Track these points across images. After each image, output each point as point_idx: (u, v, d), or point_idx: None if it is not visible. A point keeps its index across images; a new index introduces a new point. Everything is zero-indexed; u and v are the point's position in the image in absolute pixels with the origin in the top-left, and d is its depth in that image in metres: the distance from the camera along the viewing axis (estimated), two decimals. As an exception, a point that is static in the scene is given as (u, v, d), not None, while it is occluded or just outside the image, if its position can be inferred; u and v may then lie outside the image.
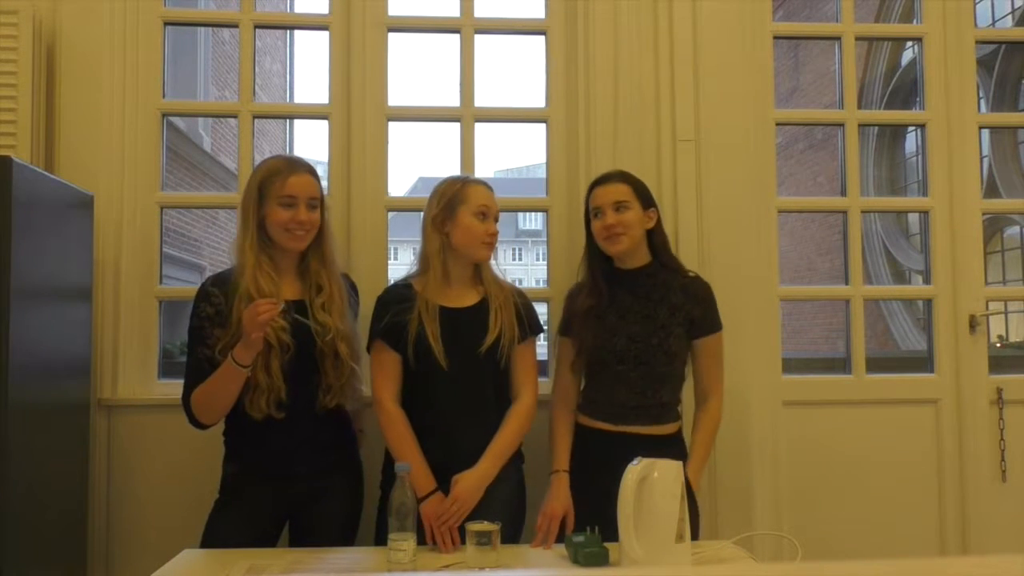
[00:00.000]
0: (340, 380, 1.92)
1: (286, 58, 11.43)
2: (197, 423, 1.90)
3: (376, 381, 1.97)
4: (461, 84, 2.51)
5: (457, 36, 2.52)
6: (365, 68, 2.46)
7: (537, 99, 2.60)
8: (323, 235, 1.97)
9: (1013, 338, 7.13)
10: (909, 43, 7.72)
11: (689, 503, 1.64)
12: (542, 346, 2.19)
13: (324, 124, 2.48)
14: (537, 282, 25.29)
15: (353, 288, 2.09)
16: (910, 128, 7.41)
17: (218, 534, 1.89)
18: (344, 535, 1.97)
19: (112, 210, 2.34)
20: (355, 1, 2.47)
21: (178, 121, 6.74)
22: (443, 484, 1.88)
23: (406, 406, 1.95)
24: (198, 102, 6.96)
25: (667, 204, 2.35)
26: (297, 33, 10.51)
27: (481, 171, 2.55)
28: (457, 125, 2.51)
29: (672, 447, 1.97)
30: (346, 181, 2.44)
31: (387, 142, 2.49)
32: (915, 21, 2.74)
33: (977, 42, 2.66)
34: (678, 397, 2.07)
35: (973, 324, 2.54)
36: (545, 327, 2.24)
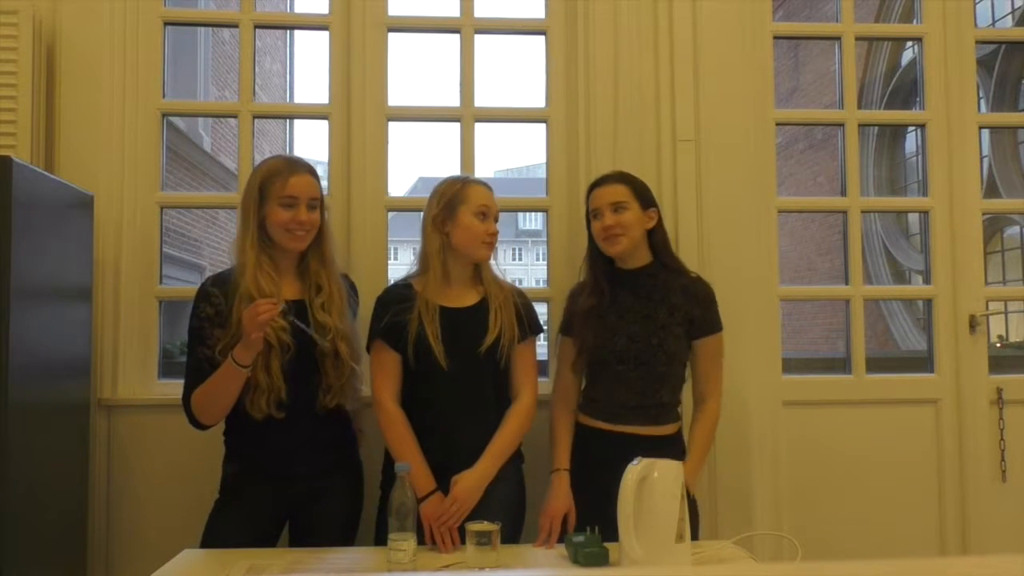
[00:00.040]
0: (340, 380, 1.92)
1: (286, 58, 11.43)
2: (197, 423, 1.90)
3: (376, 381, 1.97)
4: (461, 84, 2.51)
5: (457, 36, 2.52)
6: (365, 68, 2.46)
7: (537, 99, 2.60)
8: (323, 235, 1.97)
9: (1013, 338, 7.13)
10: (909, 43, 7.72)
11: (688, 503, 1.64)
12: (542, 346, 2.19)
13: (324, 124, 2.48)
14: (537, 282, 25.29)
15: (352, 288, 2.09)
16: (910, 128, 7.41)
17: (218, 534, 1.89)
18: (344, 535, 1.97)
19: (112, 210, 2.34)
20: (355, 1, 2.47)
21: (178, 121, 6.74)
22: (443, 484, 1.88)
23: (406, 406, 1.95)
24: (198, 102, 6.96)
25: (667, 204, 2.35)
26: (297, 33, 10.51)
27: (481, 171, 2.55)
28: (457, 125, 2.51)
29: (671, 447, 1.97)
30: (346, 181, 2.44)
31: (387, 142, 2.49)
32: (915, 21, 2.74)
33: (977, 42, 2.66)
34: (678, 398, 2.07)
35: (973, 324, 2.54)
36: (545, 327, 2.24)
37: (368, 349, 2.00)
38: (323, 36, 2.52)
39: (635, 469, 1.57)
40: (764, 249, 2.49)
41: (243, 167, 2.44)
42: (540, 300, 2.40)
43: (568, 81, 2.50)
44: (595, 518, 1.73)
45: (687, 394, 2.10)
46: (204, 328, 1.88)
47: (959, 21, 2.62)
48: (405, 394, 1.97)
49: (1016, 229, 7.38)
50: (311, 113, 2.71)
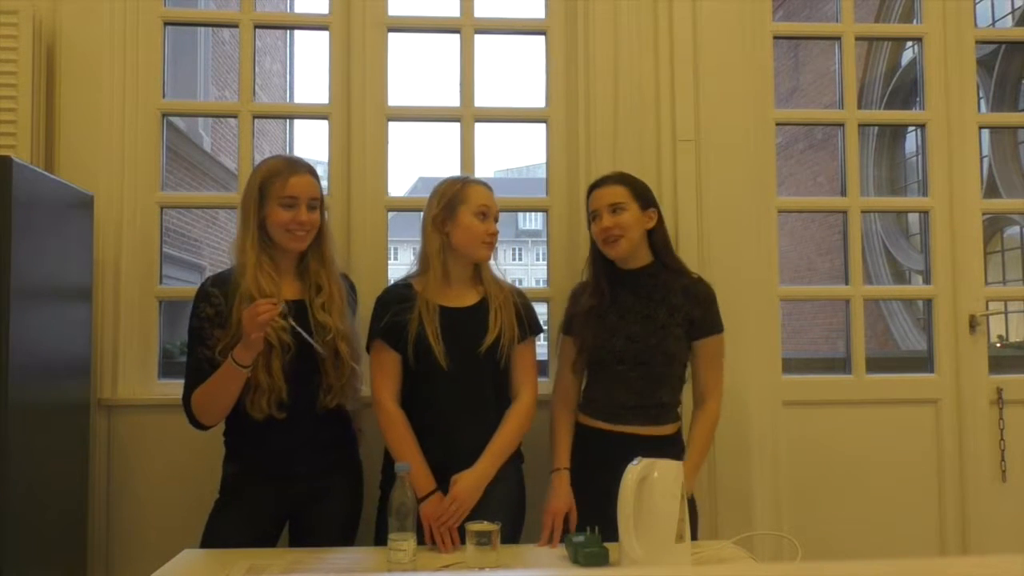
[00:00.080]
0: (341, 380, 1.93)
1: (286, 58, 11.43)
2: (198, 424, 1.90)
3: (376, 381, 1.97)
4: (461, 84, 2.51)
5: (457, 36, 2.52)
6: (365, 68, 2.46)
7: (537, 99, 2.60)
8: (323, 235, 1.97)
9: (1013, 338, 7.13)
10: (909, 43, 7.72)
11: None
12: (542, 346, 2.19)
13: (324, 124, 2.48)
14: (537, 282, 25.30)
15: (351, 288, 2.09)
16: (910, 128, 7.41)
17: (218, 534, 1.89)
18: (344, 535, 1.97)
19: (112, 210, 2.34)
20: (355, 1, 2.47)
21: (178, 121, 6.74)
22: (443, 484, 1.88)
23: (406, 406, 1.95)
24: (198, 102, 6.96)
25: (667, 204, 2.35)
26: (297, 33, 10.51)
27: (481, 171, 2.55)
28: (457, 125, 2.51)
29: (670, 448, 1.97)
30: (346, 181, 2.44)
31: (387, 142, 2.49)
32: (915, 21, 2.74)
33: (977, 42, 2.66)
34: (678, 398, 2.07)
35: (973, 324, 2.54)
36: (545, 327, 2.24)
37: (368, 349, 2.00)
38: (323, 36, 2.52)
39: (635, 469, 1.57)
40: (764, 249, 2.49)
41: (243, 167, 2.44)
42: (540, 300, 2.40)
43: (568, 81, 2.50)
44: (595, 518, 1.73)
45: (687, 394, 2.09)
46: (204, 328, 1.88)
47: (959, 21, 2.62)
48: (405, 394, 1.97)
49: (1016, 229, 7.38)
50: (311, 113, 2.71)
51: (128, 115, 2.38)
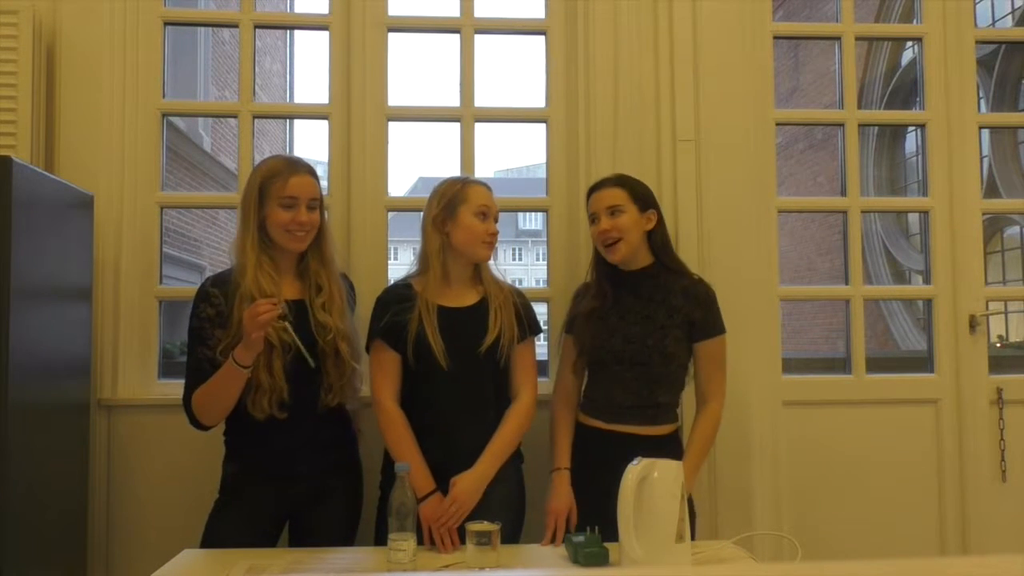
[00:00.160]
0: (341, 379, 1.93)
1: (286, 58, 11.43)
2: (198, 424, 1.90)
3: (376, 381, 1.97)
4: (461, 84, 2.51)
5: (457, 36, 2.52)
6: (365, 68, 2.46)
7: (537, 99, 2.60)
8: (322, 235, 1.97)
9: (1013, 338, 7.13)
10: (909, 43, 7.72)
11: (686, 504, 1.64)
12: (541, 346, 2.19)
13: (324, 124, 2.48)
14: (537, 282, 25.30)
15: (351, 288, 2.09)
16: (910, 128, 7.41)
17: (218, 534, 1.88)
18: (344, 535, 1.97)
19: (112, 210, 2.34)
20: (355, 1, 2.47)
21: (178, 121, 6.74)
22: (442, 484, 1.88)
23: (406, 406, 1.95)
24: (198, 102, 6.96)
25: (667, 204, 2.35)
26: (297, 33, 10.51)
27: (481, 171, 2.55)
28: (457, 125, 2.51)
29: (667, 448, 1.96)
30: (346, 181, 2.44)
31: (387, 142, 2.49)
32: (915, 21, 2.74)
33: (977, 42, 2.66)
34: (676, 399, 2.06)
35: (973, 324, 2.54)
36: (545, 327, 2.24)
37: (368, 349, 2.00)
38: (323, 36, 2.52)
39: (635, 469, 1.57)
40: (764, 249, 2.49)
41: (243, 167, 2.44)
42: (540, 300, 2.40)
43: (568, 81, 2.50)
44: (595, 518, 1.73)
45: (688, 395, 2.09)
46: (204, 328, 1.88)
47: (959, 21, 2.62)
48: (405, 394, 1.97)
49: (1016, 229, 7.38)
50: (311, 113, 2.71)
51: (128, 115, 2.38)
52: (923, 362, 2.64)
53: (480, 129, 2.52)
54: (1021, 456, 2.52)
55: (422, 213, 2.04)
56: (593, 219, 2.07)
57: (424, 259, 2.02)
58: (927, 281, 2.63)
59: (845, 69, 2.63)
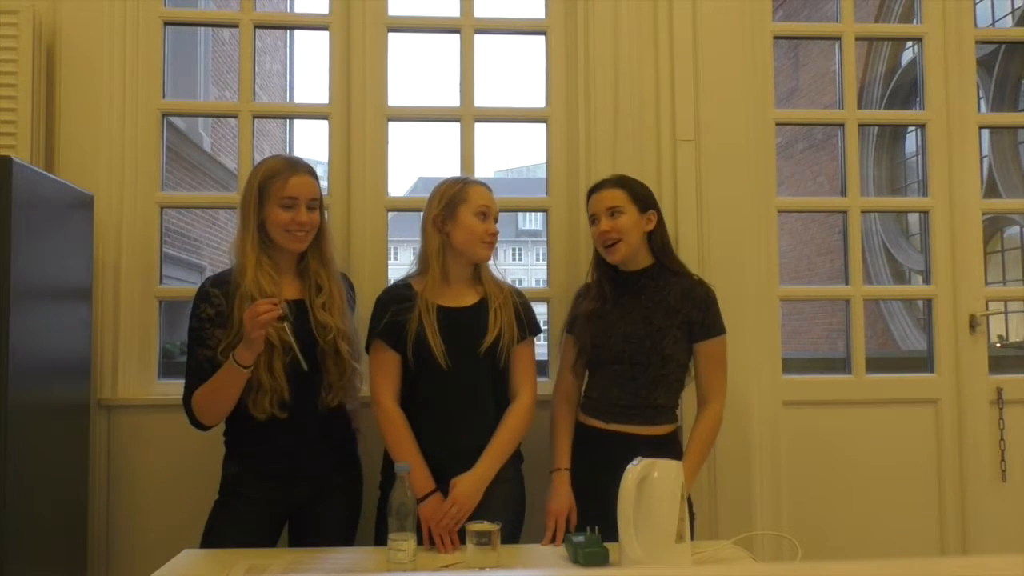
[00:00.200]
0: (342, 379, 1.93)
1: (286, 58, 11.43)
2: (198, 424, 1.90)
3: (375, 381, 1.97)
4: (461, 84, 2.51)
5: (457, 36, 2.52)
6: (365, 68, 2.46)
7: (537, 99, 2.60)
8: (322, 235, 1.98)
9: (1013, 338, 7.13)
10: (909, 43, 7.72)
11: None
12: (541, 346, 2.19)
13: (324, 124, 2.48)
14: (537, 282, 25.30)
15: (351, 288, 2.09)
16: (910, 128, 7.41)
17: (218, 534, 1.89)
18: (344, 535, 1.98)
19: (112, 210, 2.34)
20: (355, 1, 2.47)
21: (178, 121, 6.74)
22: (442, 484, 1.88)
23: (405, 406, 1.95)
24: (198, 102, 6.96)
25: (667, 204, 2.35)
26: (297, 33, 10.51)
27: (481, 171, 2.55)
28: (457, 125, 2.51)
29: (665, 448, 1.96)
30: (346, 181, 2.44)
31: (387, 142, 2.49)
32: (915, 21, 2.74)
33: (977, 42, 2.66)
34: (675, 400, 2.06)
35: (973, 324, 2.54)
36: (545, 327, 2.24)
37: (368, 349, 2.00)
38: (323, 36, 2.52)
39: (635, 469, 1.57)
40: (764, 249, 2.49)
41: (243, 167, 2.44)
42: (540, 300, 2.40)
43: (568, 81, 2.50)
44: (594, 518, 1.73)
45: (689, 395, 2.09)
46: (205, 328, 1.88)
47: (959, 21, 2.62)
48: (404, 394, 1.97)
49: (1016, 229, 7.38)
50: (311, 113, 2.71)
51: (128, 115, 2.38)
52: (923, 362, 2.64)
53: (480, 129, 2.52)
54: (1021, 456, 2.52)
55: (422, 213, 2.04)
56: (593, 220, 2.07)
57: (424, 259, 2.02)
58: (927, 281, 2.63)
59: (845, 69, 2.63)
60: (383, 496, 1.96)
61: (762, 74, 2.54)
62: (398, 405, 1.95)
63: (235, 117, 2.53)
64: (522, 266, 33.16)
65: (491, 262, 2.06)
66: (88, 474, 2.25)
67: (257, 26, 2.56)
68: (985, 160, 6.58)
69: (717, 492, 2.38)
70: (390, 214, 2.49)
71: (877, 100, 8.20)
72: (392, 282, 2.15)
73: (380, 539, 1.85)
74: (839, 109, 2.65)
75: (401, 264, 2.27)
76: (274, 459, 1.91)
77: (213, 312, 1.88)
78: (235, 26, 2.55)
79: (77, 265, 2.19)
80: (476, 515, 1.76)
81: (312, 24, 2.74)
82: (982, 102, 6.89)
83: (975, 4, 2.89)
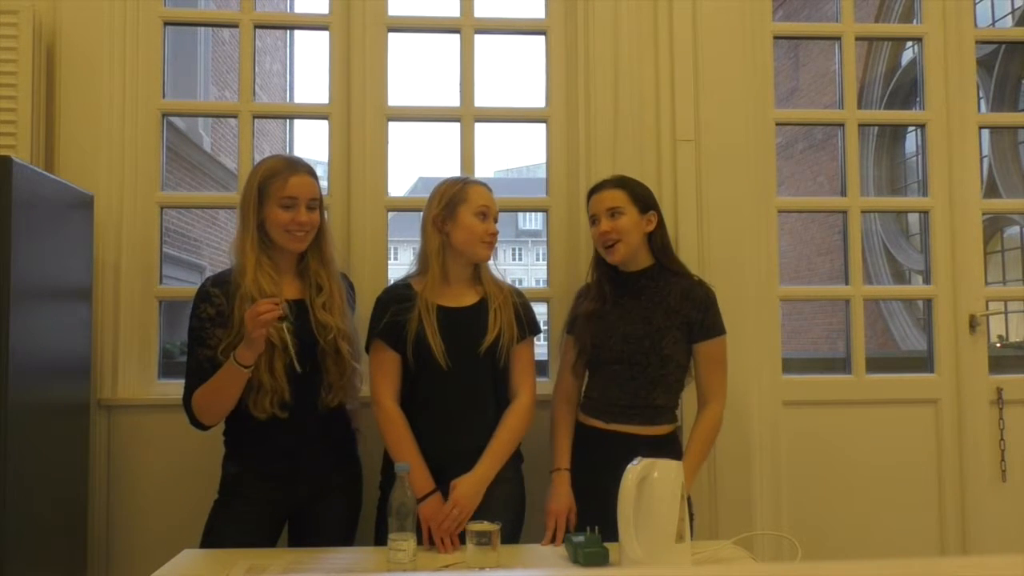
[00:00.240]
0: (342, 379, 1.93)
1: (286, 58, 11.43)
2: (198, 424, 1.90)
3: (375, 381, 1.97)
4: (461, 84, 2.51)
5: (457, 36, 2.52)
6: (365, 68, 2.46)
7: (537, 99, 2.60)
8: (322, 235, 1.98)
9: (1013, 338, 7.13)
10: (909, 43, 7.72)
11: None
12: (541, 346, 2.19)
13: (324, 124, 2.48)
14: (537, 282, 25.30)
15: (350, 288, 2.09)
16: (910, 128, 7.41)
17: (218, 534, 1.89)
18: (344, 534, 1.98)
19: (112, 210, 2.34)
20: (355, 1, 2.47)
21: (178, 121, 6.74)
22: (442, 484, 1.88)
23: (405, 406, 1.95)
24: (198, 102, 6.96)
25: (667, 204, 2.35)
26: (297, 33, 10.51)
27: (481, 171, 2.55)
28: (457, 125, 2.51)
29: (666, 448, 1.96)
30: (346, 181, 2.44)
31: (387, 142, 2.49)
32: (915, 21, 2.74)
33: (977, 42, 2.66)
34: (675, 400, 2.06)
35: (973, 324, 2.54)
36: (545, 327, 2.24)
37: (367, 349, 2.00)
38: (323, 36, 2.52)
39: (635, 469, 1.57)
40: (764, 249, 2.49)
41: (243, 167, 2.44)
42: (540, 300, 2.40)
43: (568, 81, 2.50)
44: (594, 518, 1.73)
45: (689, 395, 2.09)
46: (205, 328, 1.88)
47: (959, 21, 2.62)
48: (404, 394, 1.97)
49: (1016, 229, 7.38)
50: (311, 113, 2.71)
51: (128, 115, 2.38)
52: (923, 362, 2.64)
53: (480, 129, 2.52)
54: (1021, 456, 2.52)
55: (422, 213, 2.04)
56: (593, 220, 2.07)
57: (424, 259, 2.02)
58: (927, 281, 2.63)
59: (845, 69, 2.63)
60: (383, 496, 1.96)
61: (762, 74, 2.54)
62: (398, 405, 1.95)
63: (235, 117, 2.53)
64: (522, 266, 33.16)
65: (491, 262, 2.06)
66: (88, 474, 2.25)
67: (257, 26, 2.56)
68: (985, 160, 6.58)
69: (717, 492, 2.38)
70: (390, 214, 2.49)
71: (877, 100, 8.20)
72: (392, 282, 2.15)
73: (380, 539, 1.85)
74: (839, 109, 2.65)
75: (401, 264, 2.27)
76: (274, 459, 1.91)
77: (213, 312, 1.88)
78: (235, 26, 2.55)
79: (77, 265, 2.19)
80: (476, 515, 1.76)
81: (312, 24, 2.74)
82: (982, 102, 6.89)
83: (975, 4, 2.89)
